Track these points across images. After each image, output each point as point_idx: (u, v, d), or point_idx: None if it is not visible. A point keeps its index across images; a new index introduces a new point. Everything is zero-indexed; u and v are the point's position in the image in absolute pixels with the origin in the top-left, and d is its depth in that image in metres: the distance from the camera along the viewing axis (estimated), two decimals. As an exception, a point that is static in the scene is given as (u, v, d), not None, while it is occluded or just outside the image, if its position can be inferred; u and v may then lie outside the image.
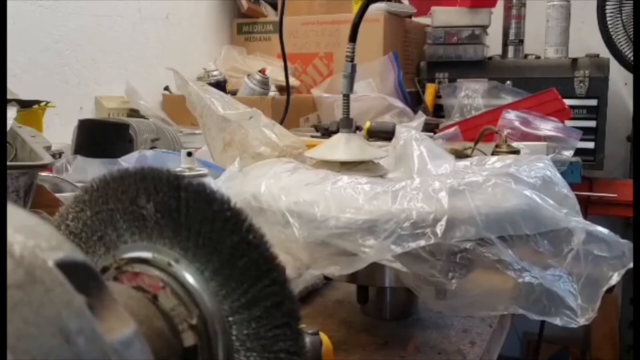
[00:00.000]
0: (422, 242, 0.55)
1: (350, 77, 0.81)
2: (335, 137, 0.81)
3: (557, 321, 0.57)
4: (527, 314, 0.57)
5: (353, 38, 0.80)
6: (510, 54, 2.07)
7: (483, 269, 0.59)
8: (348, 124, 0.80)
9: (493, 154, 1.16)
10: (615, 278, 0.59)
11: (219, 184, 0.74)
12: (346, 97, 0.81)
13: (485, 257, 0.56)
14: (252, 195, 0.65)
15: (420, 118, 1.32)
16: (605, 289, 0.58)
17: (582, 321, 0.57)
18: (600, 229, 0.61)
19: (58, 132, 1.29)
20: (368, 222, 0.57)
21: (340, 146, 0.78)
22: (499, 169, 0.66)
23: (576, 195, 0.66)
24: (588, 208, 1.88)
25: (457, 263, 0.57)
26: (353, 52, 0.80)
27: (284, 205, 0.61)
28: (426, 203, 0.57)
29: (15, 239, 0.23)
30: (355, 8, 1.95)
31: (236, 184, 0.71)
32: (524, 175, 0.62)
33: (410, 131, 0.80)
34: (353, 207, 0.58)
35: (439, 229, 0.55)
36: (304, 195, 0.61)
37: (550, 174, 0.65)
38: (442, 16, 2.04)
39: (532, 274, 0.57)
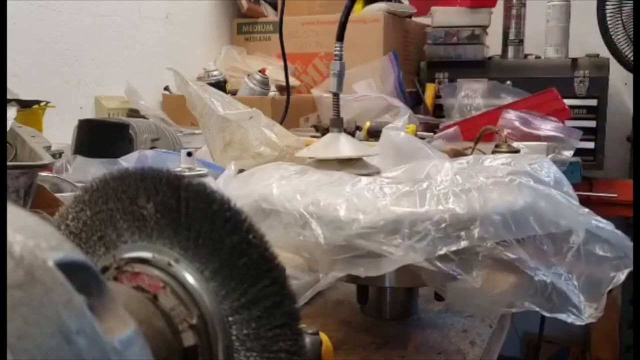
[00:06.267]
0: (461, 244, 0.54)
1: (340, 76, 0.82)
2: (327, 136, 0.81)
3: (565, 317, 0.57)
4: (540, 311, 0.57)
5: (340, 37, 0.82)
6: (510, 54, 2.07)
7: (489, 267, 0.59)
8: (338, 124, 0.81)
9: (493, 154, 1.17)
10: (620, 278, 0.59)
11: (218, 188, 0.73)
12: (336, 95, 0.82)
13: (505, 255, 0.56)
14: (263, 197, 0.63)
15: (404, 116, 1.32)
16: (609, 288, 0.59)
17: (587, 319, 0.57)
18: (616, 231, 0.61)
19: (58, 132, 1.28)
20: (397, 223, 0.55)
21: (338, 144, 0.78)
22: (519, 167, 0.66)
23: (576, 195, 0.66)
24: (588, 208, 1.87)
25: (479, 261, 0.56)
26: (341, 51, 0.82)
27: (302, 206, 0.59)
28: (457, 204, 0.56)
29: (15, 239, 0.23)
30: (356, 8, 1.95)
31: (239, 187, 0.69)
32: (542, 175, 0.62)
33: (399, 132, 0.81)
34: (379, 207, 0.56)
35: (475, 232, 0.54)
36: (323, 197, 0.59)
37: (558, 173, 0.65)
38: (442, 16, 2.04)
39: (542, 272, 0.57)
